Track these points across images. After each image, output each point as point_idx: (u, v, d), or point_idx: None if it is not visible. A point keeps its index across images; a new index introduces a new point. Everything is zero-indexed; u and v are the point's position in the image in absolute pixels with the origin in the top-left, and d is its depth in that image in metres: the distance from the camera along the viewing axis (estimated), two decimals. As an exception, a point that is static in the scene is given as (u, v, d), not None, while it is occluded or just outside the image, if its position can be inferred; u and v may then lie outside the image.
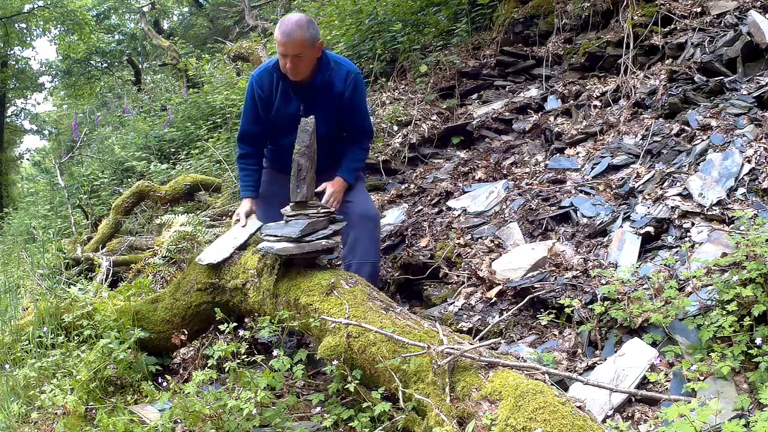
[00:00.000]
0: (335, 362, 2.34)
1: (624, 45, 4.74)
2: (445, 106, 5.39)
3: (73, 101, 20.13)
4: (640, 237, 3.16)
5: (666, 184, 3.45)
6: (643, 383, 2.40)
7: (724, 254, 2.63)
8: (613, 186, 3.73)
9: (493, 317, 3.05)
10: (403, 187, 4.68)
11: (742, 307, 2.33)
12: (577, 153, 4.29)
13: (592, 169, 3.98)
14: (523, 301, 2.90)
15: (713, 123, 3.68)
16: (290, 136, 2.84)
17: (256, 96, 3.18)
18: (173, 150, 7.69)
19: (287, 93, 3.15)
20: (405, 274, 3.64)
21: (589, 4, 5.24)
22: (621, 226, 3.32)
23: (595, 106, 4.67)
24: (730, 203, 3.14)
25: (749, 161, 3.29)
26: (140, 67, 15.84)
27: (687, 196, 3.27)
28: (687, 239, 3.04)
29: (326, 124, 3.13)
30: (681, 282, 2.75)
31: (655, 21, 4.77)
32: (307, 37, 2.94)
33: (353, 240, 3.13)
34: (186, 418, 2.39)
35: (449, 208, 4.13)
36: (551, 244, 3.41)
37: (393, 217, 4.24)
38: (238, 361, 2.48)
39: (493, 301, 3.16)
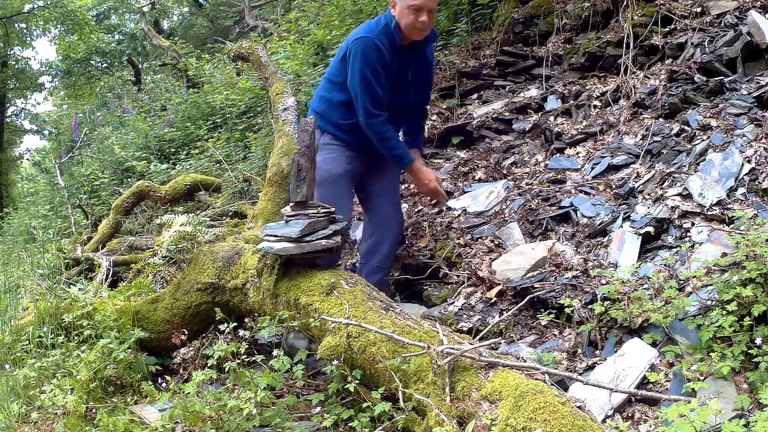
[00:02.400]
0: (335, 362, 2.34)
1: (624, 45, 4.74)
2: (445, 106, 5.38)
3: (73, 101, 20.13)
4: (640, 237, 3.15)
5: (666, 184, 3.45)
6: (643, 383, 2.40)
7: (724, 254, 2.63)
8: (613, 186, 3.73)
9: (493, 317, 3.05)
10: (403, 187, 4.68)
11: (742, 307, 2.33)
12: (577, 153, 4.29)
13: (592, 169, 3.98)
14: (523, 301, 2.90)
15: (713, 123, 3.68)
16: (391, 105, 2.74)
17: (383, 58, 2.81)
18: (173, 150, 7.70)
19: (401, 57, 2.88)
20: (405, 274, 3.64)
21: (589, 4, 5.23)
22: (621, 226, 3.31)
23: (595, 106, 4.66)
24: (730, 203, 3.13)
25: (749, 161, 3.29)
26: (140, 67, 15.86)
27: (687, 196, 3.27)
28: (687, 239, 3.03)
29: (418, 90, 3.05)
30: (681, 282, 2.75)
31: (655, 21, 4.77)
32: None
33: (376, 242, 3.14)
34: (186, 418, 2.39)
35: (449, 208, 4.13)
36: (551, 244, 3.41)
37: (393, 217, 4.23)
38: (238, 361, 2.48)
39: (493, 301, 3.16)
